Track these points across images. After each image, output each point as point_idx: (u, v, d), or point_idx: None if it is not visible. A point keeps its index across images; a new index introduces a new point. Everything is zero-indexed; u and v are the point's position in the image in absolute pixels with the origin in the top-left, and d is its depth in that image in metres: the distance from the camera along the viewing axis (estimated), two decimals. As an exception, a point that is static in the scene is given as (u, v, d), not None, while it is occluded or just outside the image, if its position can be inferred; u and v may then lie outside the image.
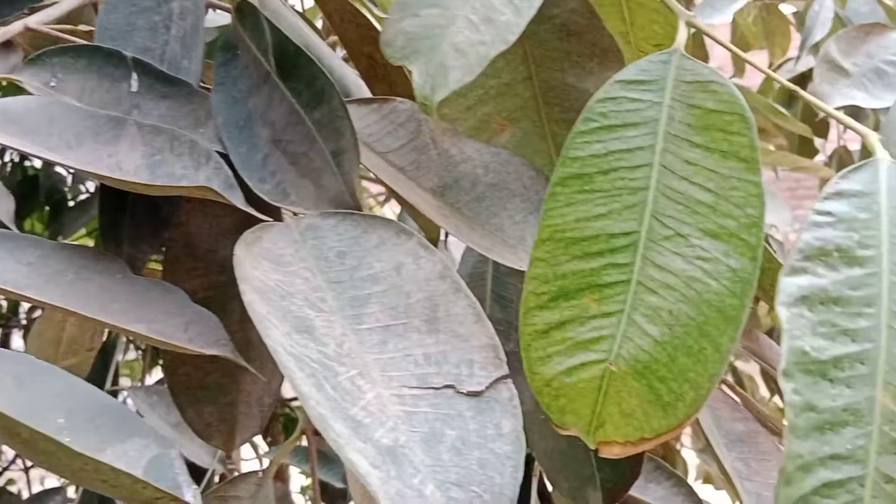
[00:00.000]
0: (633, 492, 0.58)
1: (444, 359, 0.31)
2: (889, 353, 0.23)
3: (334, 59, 0.48)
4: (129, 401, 0.74)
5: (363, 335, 0.32)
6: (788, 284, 0.24)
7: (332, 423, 0.27)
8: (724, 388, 0.45)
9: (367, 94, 0.46)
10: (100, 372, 0.92)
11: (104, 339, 0.89)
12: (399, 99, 0.41)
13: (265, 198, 0.38)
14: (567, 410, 0.32)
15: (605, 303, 0.31)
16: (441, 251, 0.33)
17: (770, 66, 1.18)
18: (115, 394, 0.90)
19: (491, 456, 0.29)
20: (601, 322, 0.31)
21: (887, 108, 0.68)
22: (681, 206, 0.31)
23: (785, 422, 0.22)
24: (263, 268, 0.33)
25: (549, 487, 0.59)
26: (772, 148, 1.08)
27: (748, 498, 0.36)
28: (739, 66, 1.20)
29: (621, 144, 0.31)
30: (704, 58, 1.19)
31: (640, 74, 0.31)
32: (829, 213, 0.26)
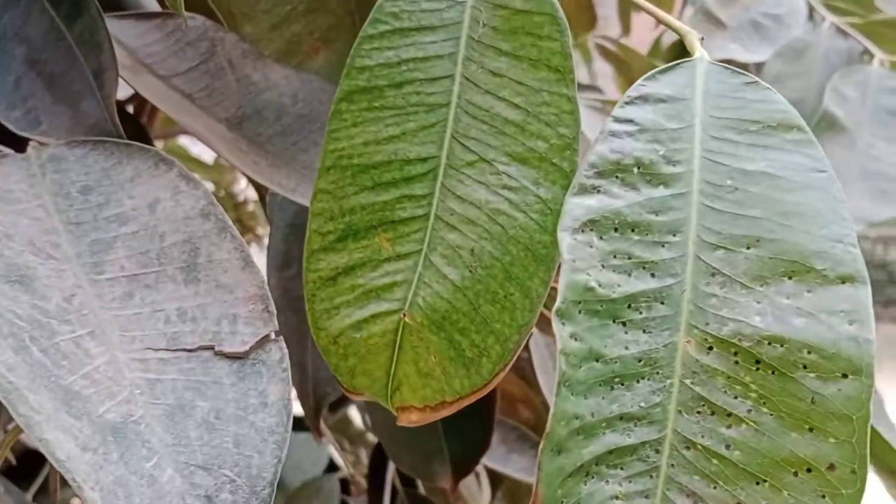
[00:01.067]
0: (494, 464, 0.54)
1: (203, 314, 0.25)
2: (695, 291, 0.19)
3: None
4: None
5: (103, 287, 0.25)
6: (575, 206, 0.19)
7: (27, 395, 0.21)
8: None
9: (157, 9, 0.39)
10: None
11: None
12: (188, 14, 0.34)
13: (11, 127, 0.31)
14: (358, 372, 0.27)
15: (399, 242, 0.26)
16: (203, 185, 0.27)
17: (656, 27, 1.16)
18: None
19: (251, 431, 0.23)
20: (395, 265, 0.26)
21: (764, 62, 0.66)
22: (486, 126, 0.26)
23: (556, 375, 0.17)
24: (-23, 205, 0.26)
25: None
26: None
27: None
28: (626, 24, 1.17)
29: (417, 52, 0.26)
30: (592, 19, 1.16)
31: (439, -33, 0.26)
32: (630, 121, 0.21)
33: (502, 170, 0.25)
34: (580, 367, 0.18)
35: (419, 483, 0.59)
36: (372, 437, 0.93)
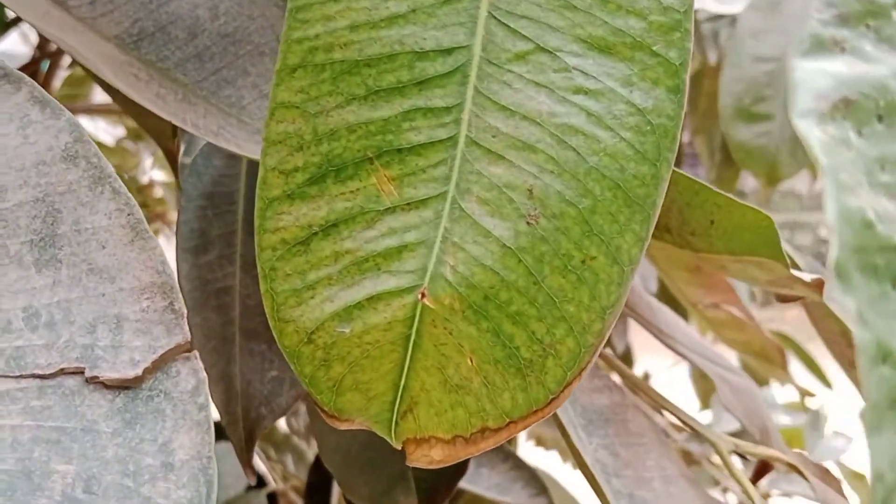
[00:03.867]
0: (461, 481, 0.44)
1: (67, 317, 0.14)
2: None
3: None
4: None
5: None
6: (811, 73, 0.10)
7: None
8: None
9: None
10: None
11: None
12: None
13: None
14: (347, 386, 0.16)
15: (410, 182, 0.16)
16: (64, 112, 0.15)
17: None
18: None
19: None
20: (405, 218, 0.16)
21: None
22: (543, -1, 0.16)
23: (865, 395, 0.08)
24: None
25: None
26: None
27: (618, 502, 0.23)
28: None
29: None
30: None
31: None
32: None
33: (573, 64, 0.16)
34: (874, 369, 0.08)
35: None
36: (299, 442, 0.79)
